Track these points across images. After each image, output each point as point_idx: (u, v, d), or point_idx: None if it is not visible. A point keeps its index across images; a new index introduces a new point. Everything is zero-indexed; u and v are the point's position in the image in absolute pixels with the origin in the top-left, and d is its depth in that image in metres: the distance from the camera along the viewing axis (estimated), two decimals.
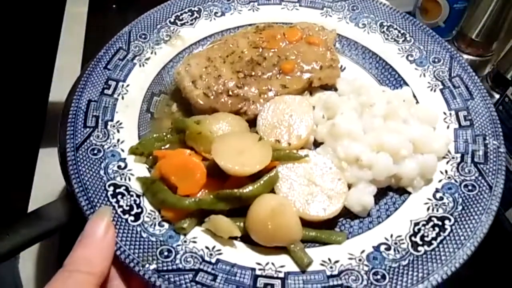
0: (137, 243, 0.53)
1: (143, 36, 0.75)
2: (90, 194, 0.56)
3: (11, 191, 0.98)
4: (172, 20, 0.78)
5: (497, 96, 0.97)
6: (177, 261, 0.52)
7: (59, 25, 1.26)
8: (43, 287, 0.45)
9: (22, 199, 0.89)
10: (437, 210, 0.57)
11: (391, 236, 0.56)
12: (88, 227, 0.51)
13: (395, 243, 0.55)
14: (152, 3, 0.81)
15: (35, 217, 0.59)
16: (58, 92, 1.06)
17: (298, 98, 0.67)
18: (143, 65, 0.72)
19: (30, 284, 0.78)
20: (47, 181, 0.91)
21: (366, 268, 0.53)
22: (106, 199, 0.56)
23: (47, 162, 0.94)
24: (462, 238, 0.53)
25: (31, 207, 0.88)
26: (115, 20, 1.16)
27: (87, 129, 0.62)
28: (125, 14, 1.04)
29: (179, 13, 0.79)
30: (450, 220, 0.56)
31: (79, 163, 0.59)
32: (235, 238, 0.56)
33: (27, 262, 0.80)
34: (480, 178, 0.59)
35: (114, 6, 1.33)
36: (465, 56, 1.07)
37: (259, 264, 0.54)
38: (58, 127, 0.71)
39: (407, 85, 0.72)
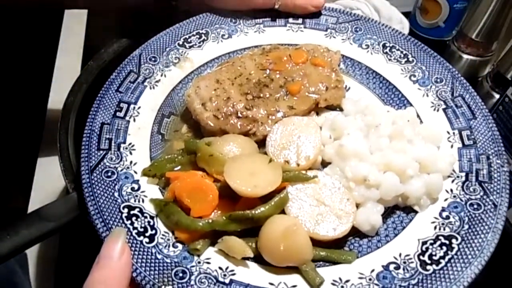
0: (153, 264, 0.54)
1: (153, 59, 0.77)
2: (105, 216, 0.57)
3: (11, 191, 0.98)
4: (180, 42, 0.80)
5: (497, 96, 0.97)
6: (192, 282, 0.53)
7: (59, 25, 1.27)
8: None
9: (22, 199, 0.90)
10: (444, 229, 0.59)
11: (400, 255, 0.57)
12: (104, 249, 0.52)
13: (404, 262, 0.56)
14: None
15: (35, 218, 0.60)
16: (58, 92, 1.07)
17: (306, 119, 0.69)
18: (154, 87, 0.74)
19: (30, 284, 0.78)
20: (47, 181, 0.92)
21: None
22: (121, 221, 0.57)
23: (47, 162, 0.95)
24: (469, 257, 0.55)
25: (31, 207, 0.88)
26: (115, 20, 1.16)
27: (101, 151, 0.64)
28: (125, 14, 1.05)
29: (187, 36, 0.81)
30: (457, 239, 0.57)
31: (93, 186, 0.60)
32: (248, 258, 0.57)
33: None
34: (485, 196, 0.61)
35: None
36: (465, 56, 1.07)
37: (271, 284, 0.55)
38: (58, 127, 0.72)
39: (411, 104, 0.74)
